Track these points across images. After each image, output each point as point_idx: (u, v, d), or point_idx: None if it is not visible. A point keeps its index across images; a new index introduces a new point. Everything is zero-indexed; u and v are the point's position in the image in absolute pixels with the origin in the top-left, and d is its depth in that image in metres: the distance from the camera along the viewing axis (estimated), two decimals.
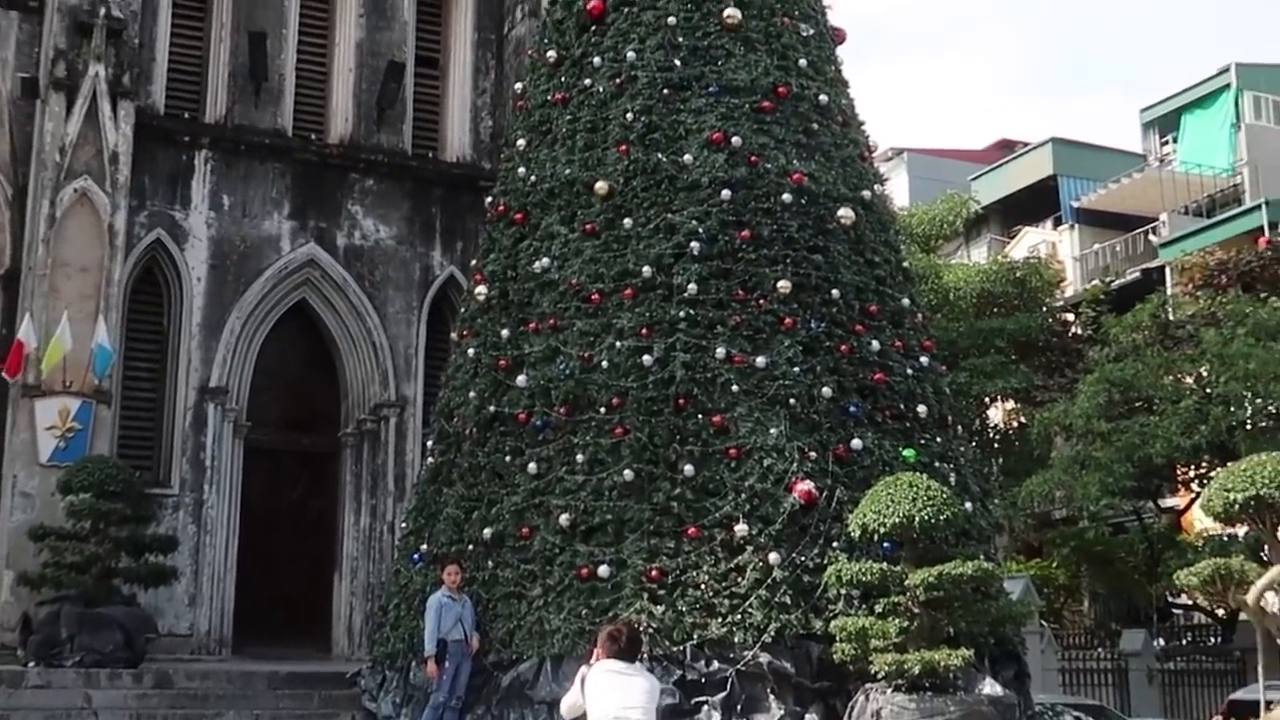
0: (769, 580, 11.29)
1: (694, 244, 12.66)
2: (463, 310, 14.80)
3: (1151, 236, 31.06)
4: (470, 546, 12.63)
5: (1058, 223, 34.45)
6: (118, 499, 15.47)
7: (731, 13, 13.78)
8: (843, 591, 11.05)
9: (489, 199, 14.96)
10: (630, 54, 13.71)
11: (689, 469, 11.81)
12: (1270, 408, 18.53)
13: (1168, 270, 27.81)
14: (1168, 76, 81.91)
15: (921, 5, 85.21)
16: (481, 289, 13.92)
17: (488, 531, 12.46)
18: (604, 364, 12.43)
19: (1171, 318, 22.60)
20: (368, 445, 19.65)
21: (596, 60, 13.94)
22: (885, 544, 10.83)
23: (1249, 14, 78.29)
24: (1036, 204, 34.69)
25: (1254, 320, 19.75)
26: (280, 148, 19.83)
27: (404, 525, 14.65)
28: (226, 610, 18.41)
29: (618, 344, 12.42)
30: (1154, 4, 79.90)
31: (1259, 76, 33.62)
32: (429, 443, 14.50)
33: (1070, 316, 27.58)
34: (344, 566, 19.34)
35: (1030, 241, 33.28)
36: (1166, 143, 35.58)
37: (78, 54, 17.86)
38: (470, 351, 13.71)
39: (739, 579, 11.37)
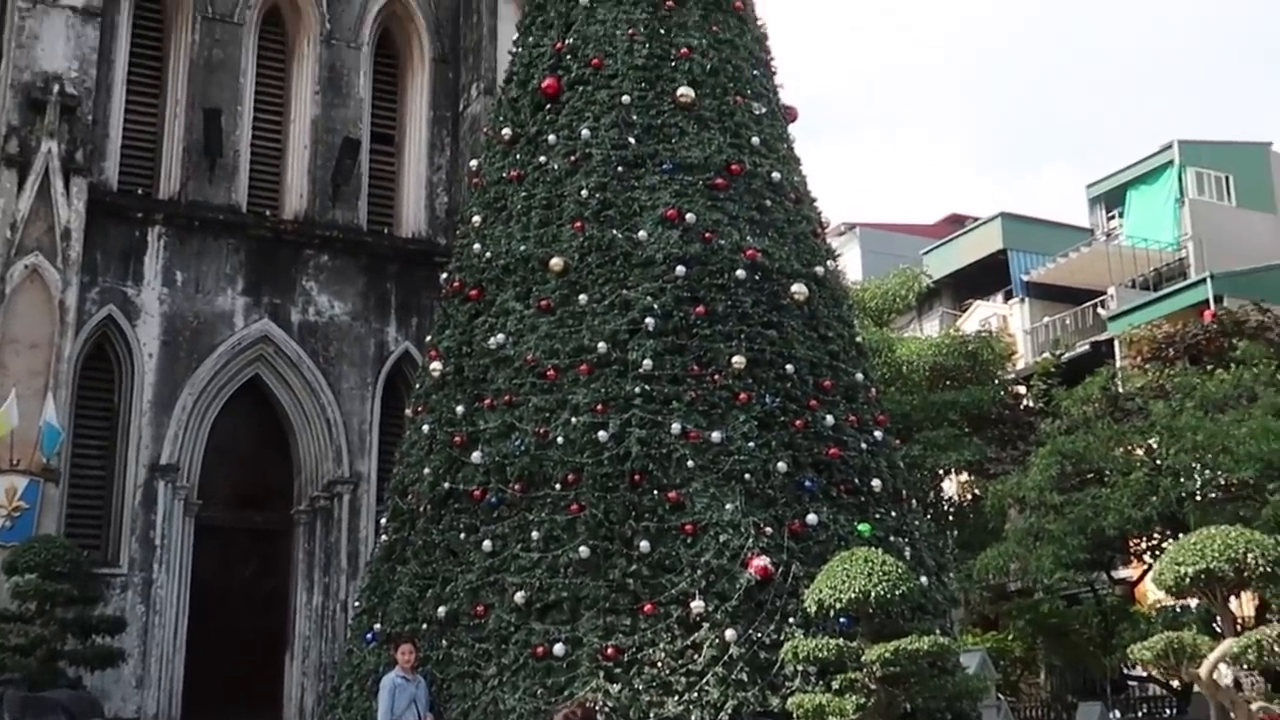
0: (725, 657, 11.23)
1: (649, 320, 12.71)
2: (417, 386, 14.75)
3: (1100, 310, 31.46)
4: (424, 625, 12.49)
5: (1008, 296, 34.84)
6: (64, 579, 15.23)
7: (685, 91, 13.95)
8: (799, 668, 11.00)
9: (444, 275, 14.98)
10: (585, 131, 13.83)
11: (645, 545, 11.76)
12: (1219, 479, 18.68)
13: (1116, 343, 28.13)
14: (1114, 151, 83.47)
15: (870, 84, 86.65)
16: (436, 365, 13.89)
17: (442, 610, 12.33)
18: (559, 440, 12.41)
19: (1121, 390, 22.82)
20: (321, 522, 19.48)
21: (551, 138, 14.05)
22: (842, 620, 10.79)
23: (1192, 91, 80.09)
24: (987, 278, 35.09)
25: (1201, 393, 19.96)
26: (234, 224, 19.82)
27: (357, 604, 14.47)
28: (175, 692, 18.09)
29: (573, 420, 12.41)
30: (1100, 82, 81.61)
31: (1201, 153, 34.32)
32: (383, 520, 14.38)
33: (1022, 389, 27.81)
34: (296, 646, 19.08)
35: (982, 315, 33.62)
36: (1113, 217, 36.15)
37: (31, 130, 17.85)
38: (425, 428, 13.65)
39: (695, 656, 11.29)
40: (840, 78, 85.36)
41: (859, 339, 14.68)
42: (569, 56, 14.43)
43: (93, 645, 15.66)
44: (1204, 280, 28.24)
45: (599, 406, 12.40)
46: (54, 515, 16.94)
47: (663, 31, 14.38)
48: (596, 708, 10.21)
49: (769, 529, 11.89)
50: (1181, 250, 32.80)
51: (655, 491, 12.05)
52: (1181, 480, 18.76)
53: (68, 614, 15.43)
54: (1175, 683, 20.66)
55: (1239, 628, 10.85)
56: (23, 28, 18.35)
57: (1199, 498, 18.81)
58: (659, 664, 11.30)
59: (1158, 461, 19.31)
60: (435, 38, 21.87)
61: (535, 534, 12.09)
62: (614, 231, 13.27)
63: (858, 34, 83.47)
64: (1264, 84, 74.54)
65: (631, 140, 13.73)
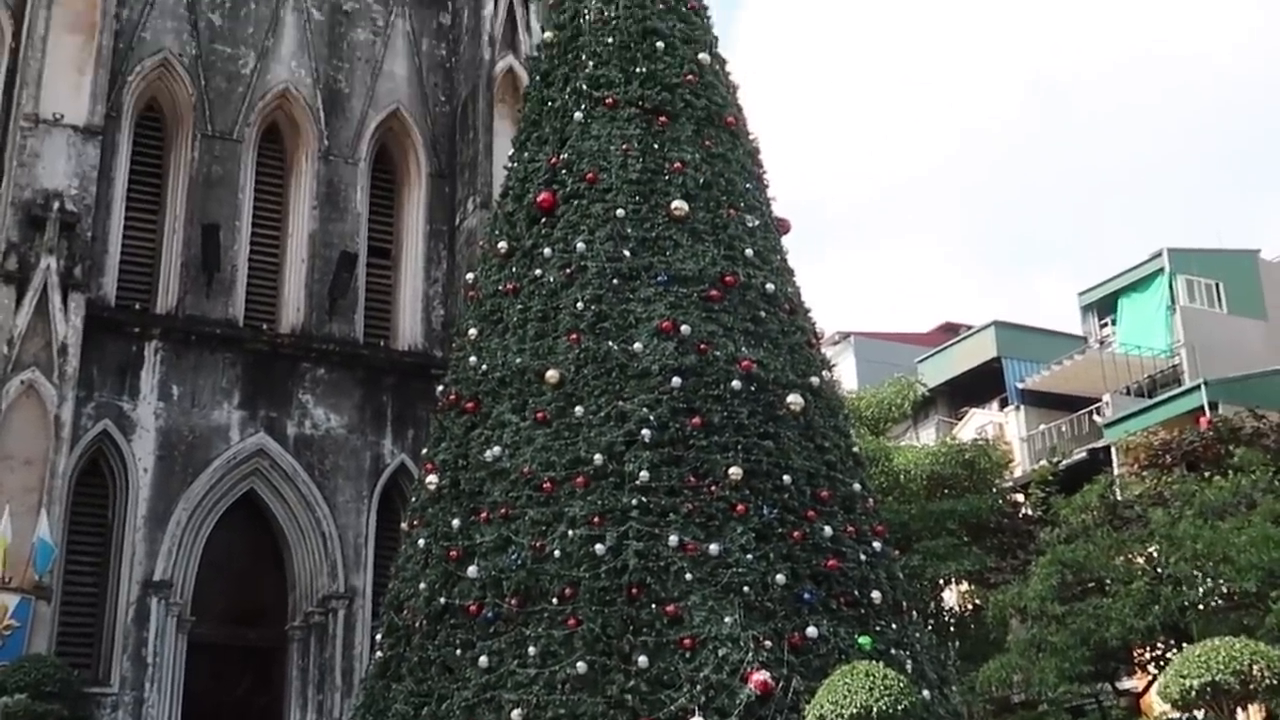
0: None
1: (645, 431, 12.69)
2: (413, 499, 14.67)
3: (1096, 417, 31.50)
4: None
5: (1004, 404, 34.91)
6: (54, 699, 15.02)
7: (679, 205, 14.09)
8: None
9: (440, 387, 14.99)
10: (580, 245, 13.94)
11: (643, 660, 11.61)
12: (1221, 588, 18.56)
13: (1113, 450, 28.12)
14: (1106, 258, 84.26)
15: (862, 194, 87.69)
16: (432, 478, 13.83)
17: None
18: (556, 553, 12.31)
19: (1119, 498, 22.76)
20: (315, 639, 19.25)
21: (547, 251, 14.15)
22: None
23: (1180, 199, 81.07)
24: (982, 385, 35.19)
25: (1200, 500, 19.92)
26: (231, 337, 19.89)
27: None
28: None
29: (570, 533, 12.32)
30: (1091, 189, 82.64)
31: (1190, 261, 34.66)
32: (378, 636, 14.21)
33: (1020, 497, 27.72)
34: None
35: (978, 423, 33.65)
36: (1105, 324, 36.37)
37: (30, 247, 17.99)
38: (420, 541, 13.55)
39: None
40: (832, 187, 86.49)
41: (855, 449, 14.65)
42: (564, 171, 14.60)
43: None
44: (1198, 387, 28.34)
45: (596, 519, 12.32)
46: (45, 633, 16.73)
47: (656, 146, 14.57)
48: None
49: (769, 642, 11.75)
50: (1175, 357, 32.96)
51: (653, 605, 11.93)
52: (1183, 589, 18.64)
53: None
54: None
55: None
56: (24, 146, 18.59)
57: (1201, 607, 18.67)
58: None
59: (1159, 570, 19.20)
60: (432, 153, 22.16)
61: (532, 649, 11.94)
62: (609, 343, 13.31)
63: (851, 143, 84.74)
64: (1250, 192, 75.53)
65: (626, 253, 13.83)
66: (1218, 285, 34.86)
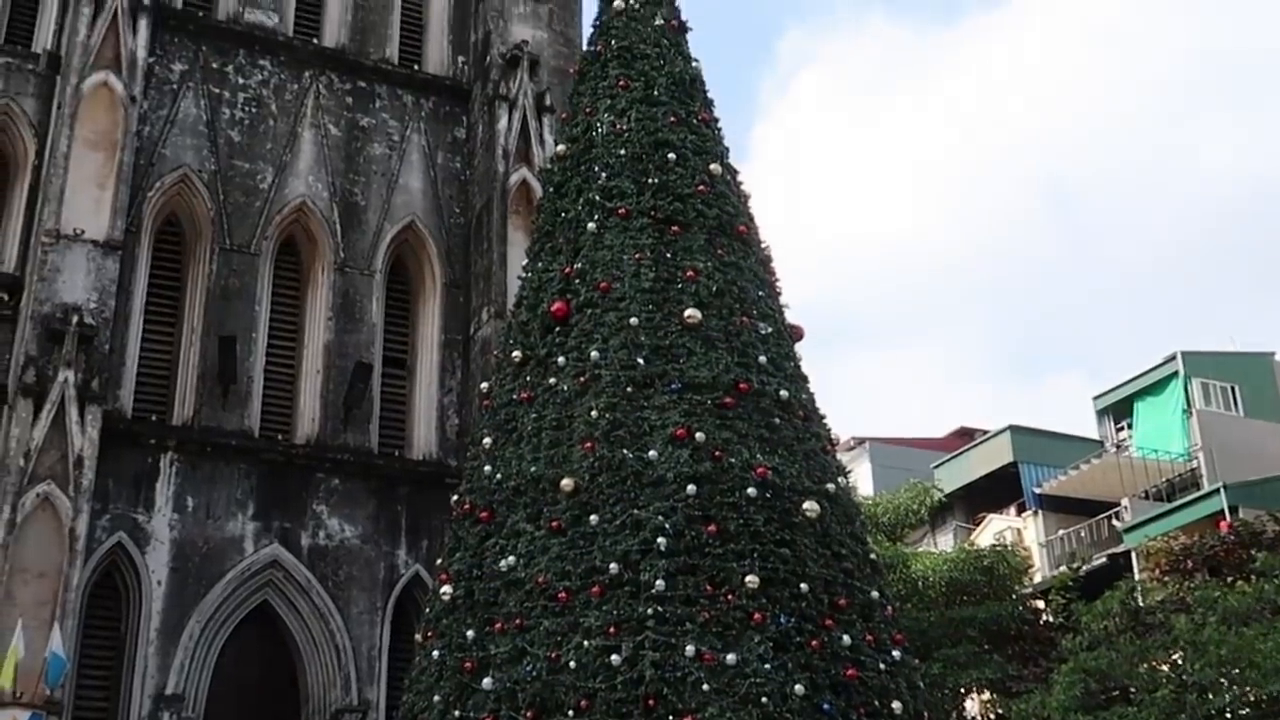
0: None
1: (661, 540, 12.60)
2: (427, 610, 14.54)
3: (1115, 521, 31.27)
4: None
5: (1021, 509, 34.68)
6: None
7: (692, 313, 14.15)
8: None
9: (454, 497, 14.95)
10: (594, 353, 13.98)
11: None
12: (1247, 695, 18.28)
13: (1134, 555, 27.88)
14: (1120, 360, 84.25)
15: (876, 299, 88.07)
16: (446, 588, 13.73)
17: None
18: (571, 664, 12.16)
19: (1141, 604, 22.52)
20: None
21: (561, 360, 14.20)
22: None
23: (1193, 301, 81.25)
24: (999, 490, 35.00)
25: (1223, 606, 19.71)
26: (246, 448, 19.92)
27: None
28: None
29: (585, 643, 12.19)
30: (1105, 294, 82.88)
31: (1205, 364, 34.65)
32: None
33: (1040, 603, 27.43)
34: None
35: (995, 528, 33.41)
36: (1121, 428, 36.26)
37: (48, 360, 18.11)
38: (435, 653, 13.40)
39: None
40: (846, 292, 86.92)
41: (873, 555, 14.52)
42: (577, 280, 14.70)
43: None
44: (1218, 490, 28.15)
45: (611, 629, 12.19)
46: None
47: (669, 255, 14.69)
48: None
49: None
50: (1193, 460, 32.79)
51: (670, 717, 11.74)
52: (1209, 696, 18.36)
53: None
54: None
55: None
56: (45, 261, 18.81)
57: (1228, 714, 18.37)
58: None
59: (1183, 677, 18.93)
60: (446, 264, 22.37)
61: None
62: (624, 451, 13.28)
63: (863, 248, 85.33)
64: (1264, 295, 75.73)
65: (640, 361, 13.86)
66: (1234, 388, 34.81)
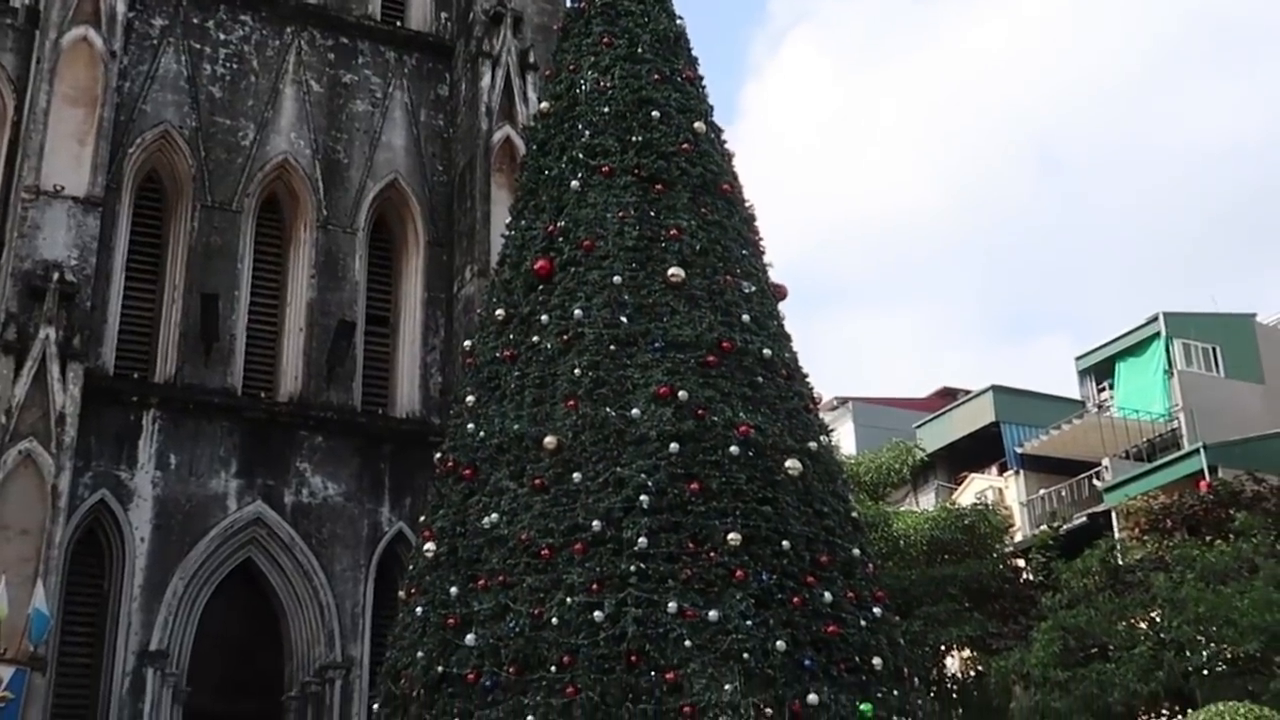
0: None
1: (643, 497, 12.65)
2: (411, 567, 14.59)
3: (1095, 481, 31.44)
4: None
5: (1003, 468, 34.85)
6: None
7: (675, 271, 14.15)
8: None
9: (438, 454, 14.97)
10: (577, 311, 13.97)
11: None
12: (1225, 652, 18.45)
13: (1113, 515, 28.05)
14: (1105, 323, 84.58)
15: (861, 261, 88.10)
16: (430, 545, 13.77)
17: None
18: (554, 621, 12.22)
19: (1121, 562, 22.68)
20: (312, 709, 19.09)
21: (544, 318, 14.19)
22: None
23: (1177, 261, 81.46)
24: (981, 450, 35.15)
25: (1202, 564, 19.85)
26: (229, 406, 19.90)
27: None
28: None
29: (568, 600, 12.25)
30: (1090, 258, 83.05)
31: (1186, 324, 34.76)
32: (375, 706, 14.08)
33: (1021, 562, 27.61)
34: None
35: (977, 488, 33.57)
36: (1103, 389, 36.40)
37: (29, 317, 18.03)
38: (418, 610, 13.45)
39: None
40: (830, 253, 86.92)
41: (855, 514, 14.60)
42: (561, 239, 14.68)
43: None
44: (1198, 451, 28.32)
45: (594, 586, 12.25)
46: (39, 705, 16.59)
47: (653, 214, 14.67)
48: None
49: (769, 710, 11.65)
50: (1173, 421, 32.96)
51: (652, 672, 11.84)
52: (1187, 654, 18.54)
53: None
54: None
55: None
56: (25, 218, 18.70)
57: (1205, 671, 18.55)
58: None
59: (1161, 635, 19.10)
60: (430, 222, 22.29)
61: (531, 718, 11.84)
62: (607, 409, 13.31)
63: (850, 209, 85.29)
64: (1251, 257, 75.95)
65: (623, 319, 13.87)
66: (1215, 349, 34.95)
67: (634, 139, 15.14)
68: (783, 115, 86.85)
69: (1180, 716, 14.64)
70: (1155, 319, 34.56)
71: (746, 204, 15.90)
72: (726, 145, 16.28)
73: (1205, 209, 79.57)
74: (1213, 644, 18.54)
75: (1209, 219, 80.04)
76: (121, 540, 18.67)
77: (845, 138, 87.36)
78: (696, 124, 15.64)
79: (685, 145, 15.33)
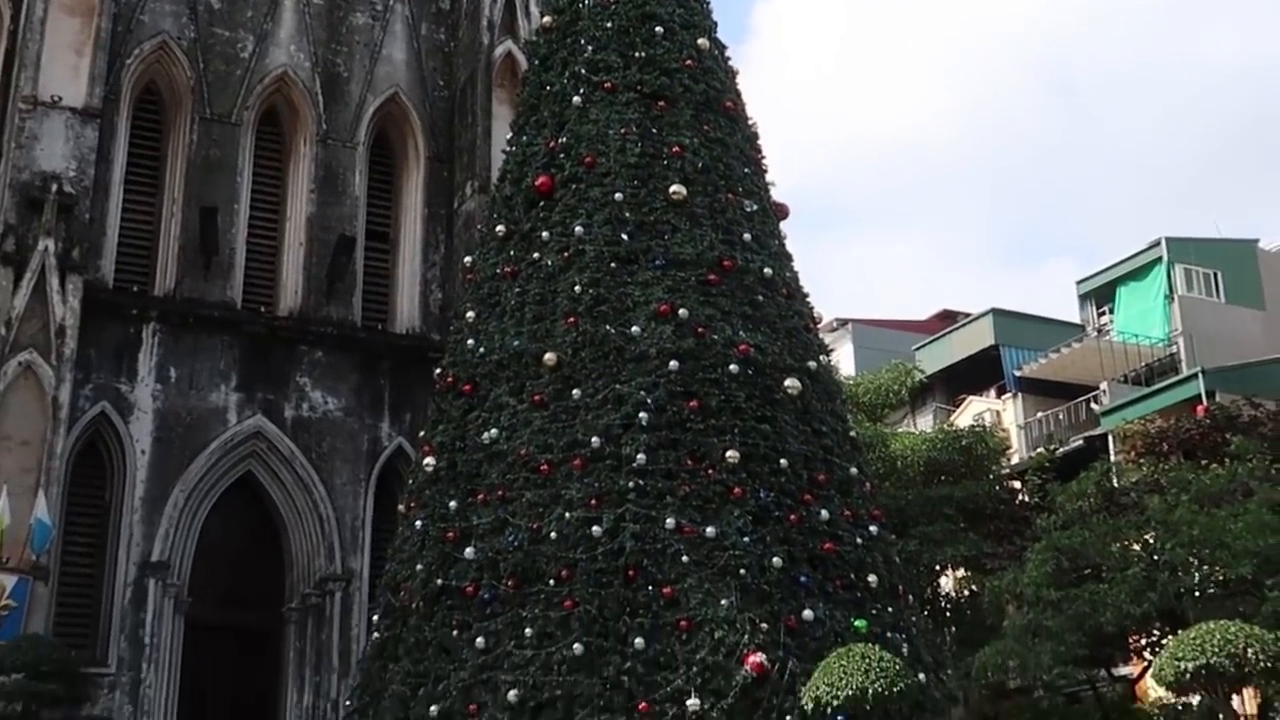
0: None
1: (642, 414, 12.71)
2: (410, 482, 14.71)
3: (1093, 405, 31.51)
4: None
5: (1001, 391, 34.89)
6: (51, 679, 15.05)
7: (677, 189, 14.10)
8: None
9: (438, 370, 15.01)
10: (578, 228, 13.95)
11: (639, 642, 11.66)
12: (1217, 575, 18.58)
13: (1110, 438, 28.13)
14: (1110, 249, 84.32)
15: (864, 183, 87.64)
16: (429, 460, 13.86)
17: (434, 709, 12.16)
18: (553, 535, 12.35)
19: (1116, 485, 22.77)
20: (312, 621, 19.28)
21: (545, 234, 14.17)
22: (839, 717, 10.66)
23: (1181, 187, 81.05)
24: (980, 373, 35.18)
25: (1196, 487, 19.92)
26: (229, 320, 19.89)
27: (348, 703, 14.29)
28: None
29: (567, 515, 12.36)
30: (1093, 178, 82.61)
31: (1188, 250, 34.64)
32: (375, 617, 14.26)
33: (1017, 484, 27.74)
34: None
35: (975, 410, 33.64)
36: (1104, 313, 36.36)
37: (28, 229, 17.97)
38: (418, 523, 13.58)
39: None
40: (833, 174, 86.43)
41: (853, 433, 14.68)
42: (562, 155, 14.62)
43: None
44: (1195, 376, 28.33)
45: (593, 501, 12.36)
46: (42, 614, 16.76)
47: (655, 130, 14.59)
48: None
49: (765, 625, 11.79)
50: (1172, 346, 32.96)
51: (650, 587, 11.97)
52: (1179, 575, 18.65)
53: (55, 715, 15.24)
54: None
55: None
56: (22, 128, 18.56)
57: (1197, 593, 18.68)
58: None
59: (1155, 557, 19.21)
60: (430, 137, 22.13)
61: (529, 631, 11.99)
62: (607, 327, 13.34)
63: (854, 130, 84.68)
64: (1256, 179, 75.49)
65: (624, 236, 13.85)
66: (1216, 275, 34.86)
67: (637, 55, 15.02)
68: (794, 36, 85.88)
69: (1171, 637, 14.80)
70: (1157, 244, 34.43)
71: (749, 122, 15.81)
72: (730, 62, 16.15)
73: (1217, 131, 78.95)
74: (1205, 566, 18.65)
75: (1220, 142, 79.45)
76: (122, 453, 18.75)
77: (856, 60, 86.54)
78: (700, 40, 15.50)
79: (688, 62, 15.21)
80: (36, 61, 18.87)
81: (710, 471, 12.55)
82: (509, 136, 15.93)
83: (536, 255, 14.15)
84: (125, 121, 20.21)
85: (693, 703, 11.29)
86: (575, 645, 11.68)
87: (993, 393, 35.17)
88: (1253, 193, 73.43)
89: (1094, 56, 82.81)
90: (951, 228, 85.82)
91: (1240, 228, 77.87)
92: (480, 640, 12.19)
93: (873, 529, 13.45)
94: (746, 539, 12.24)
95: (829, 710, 10.56)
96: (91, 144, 18.97)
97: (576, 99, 14.88)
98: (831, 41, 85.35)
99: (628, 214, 14.00)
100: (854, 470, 13.77)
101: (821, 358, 14.50)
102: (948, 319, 41.22)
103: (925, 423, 33.64)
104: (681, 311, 13.34)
